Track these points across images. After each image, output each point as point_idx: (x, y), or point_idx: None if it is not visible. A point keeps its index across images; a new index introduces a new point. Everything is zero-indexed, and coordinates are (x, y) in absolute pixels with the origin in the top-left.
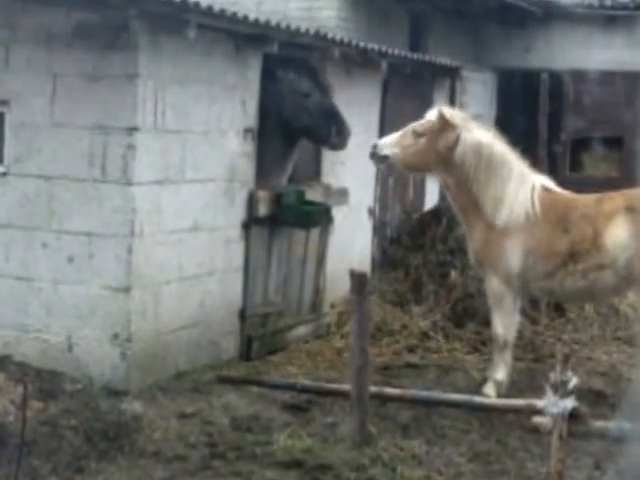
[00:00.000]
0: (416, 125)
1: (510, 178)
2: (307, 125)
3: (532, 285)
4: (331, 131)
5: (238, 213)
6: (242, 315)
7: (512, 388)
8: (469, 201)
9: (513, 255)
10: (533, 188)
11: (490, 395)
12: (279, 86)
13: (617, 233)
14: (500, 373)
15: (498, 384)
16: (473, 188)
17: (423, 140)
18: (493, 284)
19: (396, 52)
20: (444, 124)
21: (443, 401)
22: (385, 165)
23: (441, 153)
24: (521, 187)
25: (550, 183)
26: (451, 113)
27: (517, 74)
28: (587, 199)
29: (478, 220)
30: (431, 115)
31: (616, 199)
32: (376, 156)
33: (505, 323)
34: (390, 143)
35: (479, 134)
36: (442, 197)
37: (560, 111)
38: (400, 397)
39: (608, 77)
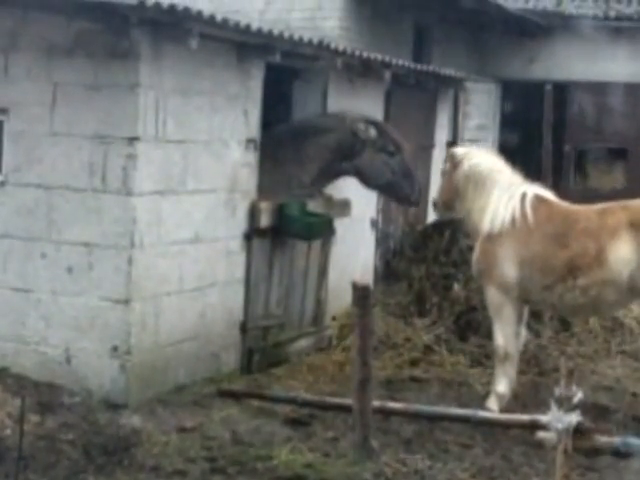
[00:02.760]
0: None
1: (493, 188)
2: (389, 182)
3: (533, 297)
4: (414, 190)
5: (239, 224)
6: (243, 327)
7: (516, 402)
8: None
9: (506, 263)
10: (523, 196)
11: (493, 409)
12: (355, 138)
13: (621, 248)
14: (502, 385)
15: (500, 397)
16: (466, 205)
17: (444, 180)
18: (491, 294)
19: (400, 62)
20: (454, 162)
21: (446, 415)
22: (440, 211)
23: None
24: (506, 195)
25: (546, 193)
26: (458, 150)
27: (521, 85)
28: (587, 212)
29: (477, 234)
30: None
31: (619, 213)
32: (434, 205)
33: (505, 334)
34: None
35: (473, 159)
36: None
37: (564, 122)
38: (403, 411)
39: (612, 88)
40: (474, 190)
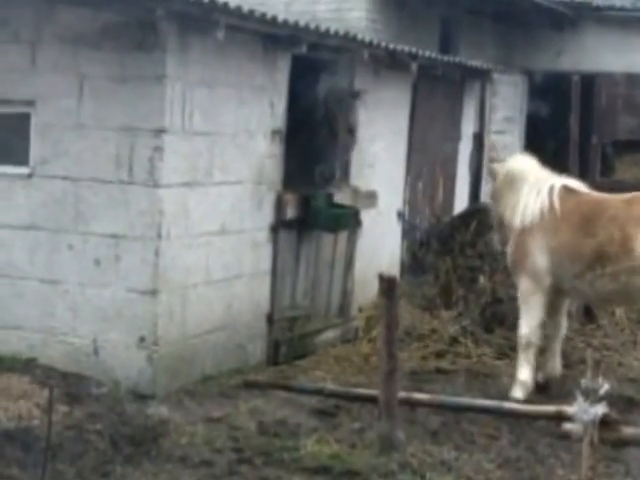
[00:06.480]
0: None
1: (523, 184)
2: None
3: (564, 286)
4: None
5: (266, 216)
6: (269, 319)
7: (542, 394)
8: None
9: (536, 252)
10: (552, 188)
11: (518, 398)
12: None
13: None
14: (524, 373)
15: (523, 385)
16: (501, 205)
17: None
18: (523, 284)
19: (426, 54)
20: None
21: (472, 407)
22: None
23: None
24: (535, 189)
25: (575, 184)
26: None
27: (548, 77)
28: (615, 200)
29: (511, 230)
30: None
31: None
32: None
33: (530, 323)
34: None
35: (507, 165)
36: (471, 201)
37: (591, 114)
38: (429, 402)
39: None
40: (509, 190)
